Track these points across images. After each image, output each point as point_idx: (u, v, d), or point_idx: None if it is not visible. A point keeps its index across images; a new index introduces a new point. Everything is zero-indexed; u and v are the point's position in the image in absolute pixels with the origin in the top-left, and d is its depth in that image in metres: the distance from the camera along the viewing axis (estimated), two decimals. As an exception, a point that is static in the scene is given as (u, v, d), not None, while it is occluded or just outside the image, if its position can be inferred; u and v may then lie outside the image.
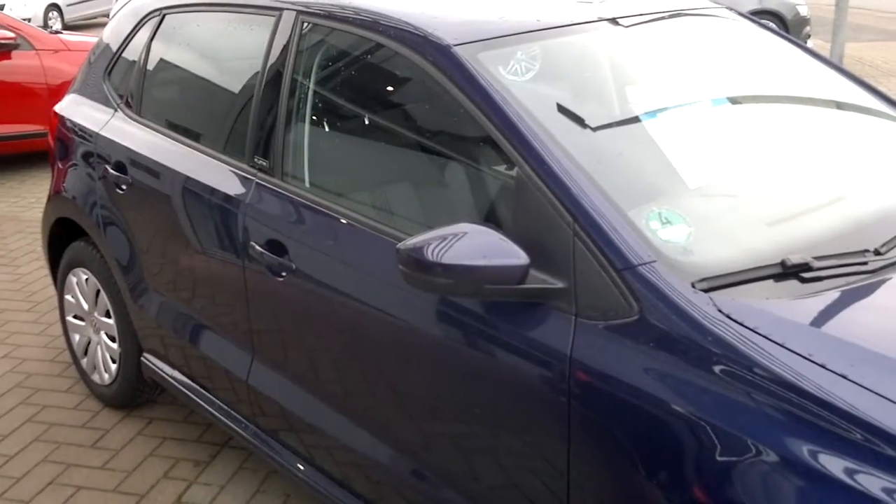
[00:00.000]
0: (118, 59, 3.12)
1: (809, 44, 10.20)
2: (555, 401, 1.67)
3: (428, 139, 2.26)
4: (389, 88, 2.37)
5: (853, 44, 10.70)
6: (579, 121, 1.99)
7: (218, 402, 2.65)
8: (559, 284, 1.67)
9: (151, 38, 2.98)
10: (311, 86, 2.35)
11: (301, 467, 2.37)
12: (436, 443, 2.01)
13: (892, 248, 1.75)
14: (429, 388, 1.98)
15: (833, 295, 1.62)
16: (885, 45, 11.88)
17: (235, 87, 2.67)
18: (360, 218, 2.10)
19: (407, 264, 1.73)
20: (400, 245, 1.74)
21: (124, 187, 2.85)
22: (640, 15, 2.30)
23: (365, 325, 2.09)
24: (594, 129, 1.98)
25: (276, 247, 2.25)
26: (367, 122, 2.38)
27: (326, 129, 2.44)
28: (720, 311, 1.54)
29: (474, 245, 1.68)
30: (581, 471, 1.67)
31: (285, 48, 2.36)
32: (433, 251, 1.68)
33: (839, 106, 2.44)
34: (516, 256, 1.67)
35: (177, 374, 2.83)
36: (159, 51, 2.96)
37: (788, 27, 10.80)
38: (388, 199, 2.24)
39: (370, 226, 2.06)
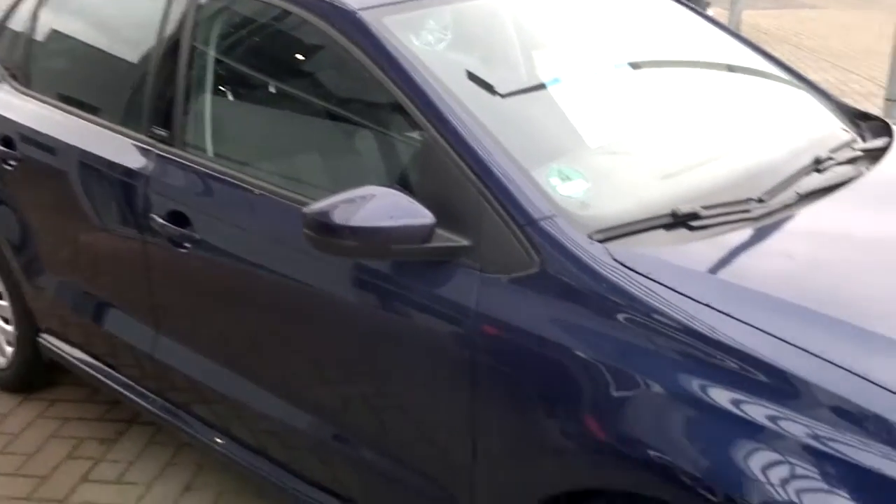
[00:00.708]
0: (2, 29, 2.99)
1: (710, 12, 10.54)
2: (461, 354, 1.72)
3: (334, 105, 2.25)
4: (294, 55, 2.35)
5: (750, 11, 11.12)
6: (484, 85, 2.02)
7: (123, 378, 2.60)
8: (464, 242, 1.72)
9: (38, 6, 2.86)
10: (213, 53, 2.30)
11: (216, 438, 2.35)
12: (350, 405, 2.04)
13: (773, 197, 1.86)
14: (340, 351, 2.00)
15: (720, 241, 1.72)
16: (780, 13, 12.41)
17: (131, 56, 2.59)
18: (265, 186, 2.08)
19: (313, 228, 1.74)
20: (306, 209, 1.75)
21: (13, 164, 2.74)
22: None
23: (273, 292, 2.08)
24: (499, 93, 2.03)
25: (178, 218, 2.21)
26: (271, 90, 2.35)
27: (230, 97, 2.40)
28: (615, 259, 1.61)
29: (381, 207, 1.71)
30: (486, 419, 1.73)
31: (184, 14, 2.31)
32: (340, 214, 1.70)
33: (732, 69, 2.56)
34: (422, 216, 1.70)
35: (78, 352, 2.75)
36: (48, 20, 2.84)
37: (690, -6, 11.11)
38: (295, 166, 2.23)
39: (276, 193, 2.05)
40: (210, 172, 2.19)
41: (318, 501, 2.17)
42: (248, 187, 2.10)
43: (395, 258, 1.79)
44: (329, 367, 2.06)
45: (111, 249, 2.51)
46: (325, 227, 1.71)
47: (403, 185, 1.92)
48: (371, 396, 2.00)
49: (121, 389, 2.60)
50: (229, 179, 2.15)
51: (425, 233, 1.70)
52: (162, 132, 2.30)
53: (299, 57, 2.33)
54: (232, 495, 2.53)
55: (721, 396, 1.47)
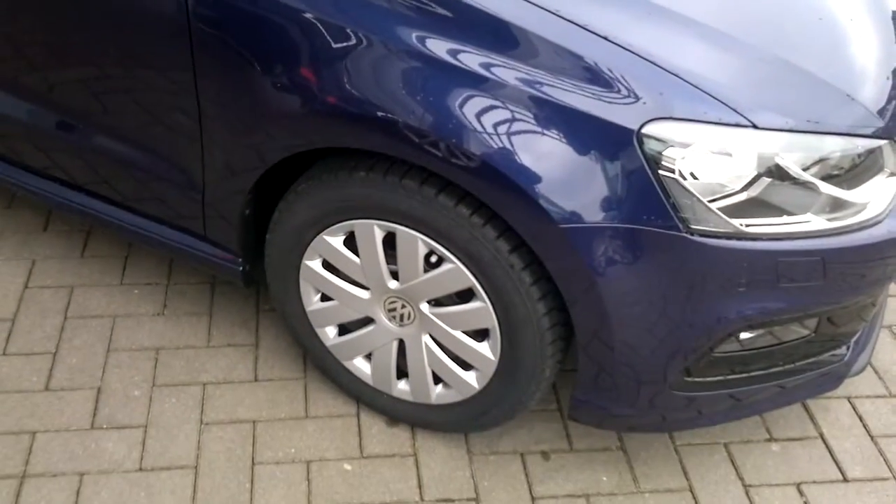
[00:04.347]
0: None
1: None
2: (176, 20, 1.61)
3: None
4: None
5: None
6: None
7: None
8: None
9: None
10: None
11: None
12: (72, 89, 1.88)
13: None
14: (50, 31, 1.82)
15: None
16: None
17: None
18: None
19: None
20: None
21: None
22: None
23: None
24: None
25: None
26: None
27: None
28: None
29: None
30: (210, 89, 1.67)
31: None
32: None
33: None
34: None
35: None
36: None
37: None
38: None
39: None
40: None
41: (51, 192, 2.08)
42: None
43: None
44: (41, 49, 1.86)
45: None
46: None
47: None
48: (92, 79, 1.84)
49: None
50: None
51: None
52: None
53: None
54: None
55: (440, 48, 1.48)
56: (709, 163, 1.45)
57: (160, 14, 1.63)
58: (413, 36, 1.48)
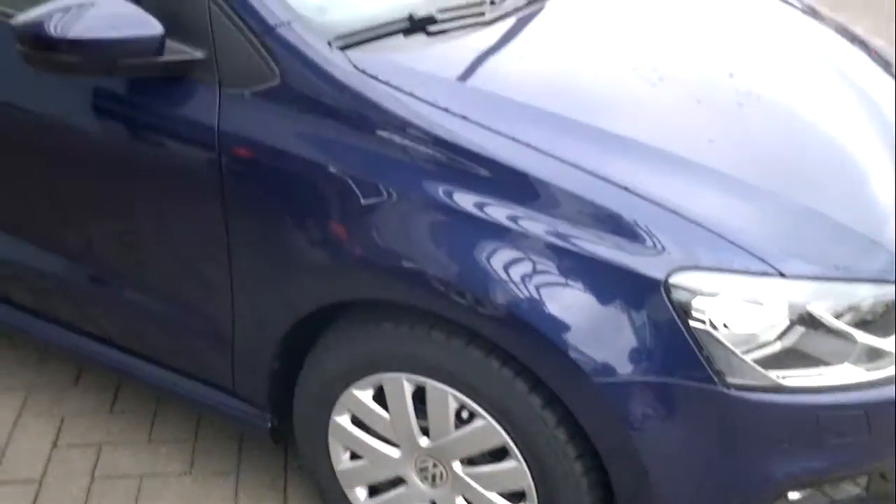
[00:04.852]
0: None
1: None
2: (209, 176, 1.65)
3: None
4: None
5: None
6: None
7: None
8: (199, 54, 1.61)
9: None
10: None
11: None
12: (104, 244, 1.93)
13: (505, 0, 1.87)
14: (83, 186, 1.87)
15: (455, 45, 1.73)
16: None
17: None
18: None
19: (27, 42, 1.57)
20: (15, 20, 1.57)
21: None
22: None
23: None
24: None
25: None
26: None
27: None
28: (355, 67, 1.58)
29: (103, 16, 1.56)
30: (240, 242, 1.70)
31: None
32: (56, 26, 1.54)
33: None
34: (150, 26, 1.57)
35: None
36: None
37: None
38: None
39: None
40: None
41: (82, 347, 2.10)
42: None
43: (124, 75, 1.65)
44: (74, 203, 1.92)
45: None
46: (39, 40, 1.55)
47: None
48: (124, 234, 1.90)
49: None
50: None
51: (155, 45, 1.56)
52: None
53: None
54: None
55: (464, 200, 1.50)
56: (739, 312, 1.42)
57: (193, 170, 1.68)
58: (439, 190, 1.51)
